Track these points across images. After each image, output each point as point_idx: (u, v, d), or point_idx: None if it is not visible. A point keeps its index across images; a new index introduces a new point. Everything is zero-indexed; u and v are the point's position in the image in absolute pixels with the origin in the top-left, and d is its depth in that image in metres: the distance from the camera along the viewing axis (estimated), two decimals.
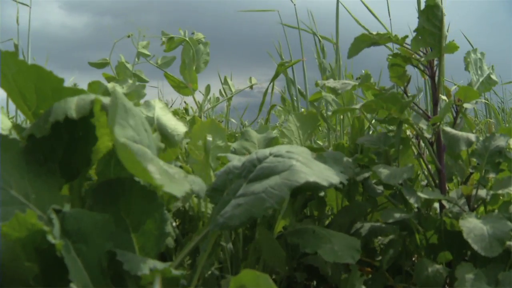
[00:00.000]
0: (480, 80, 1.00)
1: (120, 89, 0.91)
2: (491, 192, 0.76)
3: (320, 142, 1.09)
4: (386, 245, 0.92)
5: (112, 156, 0.66)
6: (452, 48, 0.88)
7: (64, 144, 0.63)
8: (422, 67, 0.94)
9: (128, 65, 1.28)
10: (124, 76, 1.14)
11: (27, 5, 1.22)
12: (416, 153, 0.99)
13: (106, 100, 0.55)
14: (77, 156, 0.64)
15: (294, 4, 1.25)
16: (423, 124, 0.84)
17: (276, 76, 1.20)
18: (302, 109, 1.29)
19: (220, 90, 1.60)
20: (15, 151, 0.59)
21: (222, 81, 1.79)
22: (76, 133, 0.64)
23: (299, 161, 0.62)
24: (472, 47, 2.09)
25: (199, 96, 1.74)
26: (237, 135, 1.35)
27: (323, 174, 0.61)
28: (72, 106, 0.53)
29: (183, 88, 1.26)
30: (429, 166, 0.96)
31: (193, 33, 1.39)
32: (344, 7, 1.34)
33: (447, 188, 0.96)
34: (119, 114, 0.51)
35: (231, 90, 1.43)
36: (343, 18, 1.41)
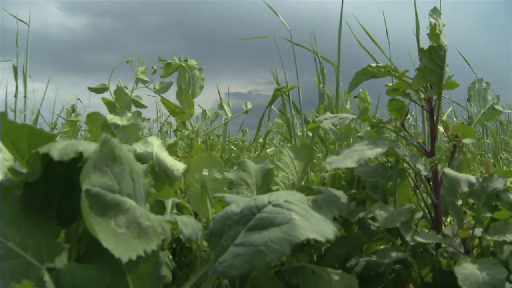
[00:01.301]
0: (482, 111, 1.01)
1: (119, 121, 0.91)
2: (488, 237, 0.76)
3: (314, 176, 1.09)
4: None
5: None
6: (452, 85, 0.89)
7: (62, 188, 0.62)
8: (420, 102, 0.95)
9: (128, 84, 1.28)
10: (122, 101, 1.14)
11: (26, 23, 1.20)
12: (412, 185, 0.99)
13: (94, 147, 0.55)
14: (74, 200, 0.63)
15: (290, 30, 1.25)
16: (420, 165, 0.85)
17: (272, 101, 1.20)
18: (298, 131, 1.29)
19: (218, 105, 1.60)
20: (12, 198, 0.59)
21: (220, 94, 1.78)
22: (73, 176, 0.64)
23: (298, 213, 0.62)
24: (469, 65, 2.10)
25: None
26: (233, 161, 1.34)
27: (320, 229, 0.62)
28: (58, 147, 0.53)
29: (179, 113, 1.26)
30: (426, 199, 0.97)
31: (186, 60, 1.39)
32: (349, 27, 1.33)
33: (443, 220, 0.97)
34: (103, 161, 0.51)
35: (227, 115, 1.43)
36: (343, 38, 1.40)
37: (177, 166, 0.84)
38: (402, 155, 0.81)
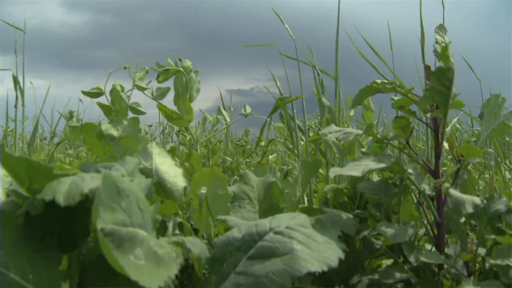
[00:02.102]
0: (491, 128, 0.99)
1: (115, 132, 0.90)
2: (491, 260, 0.76)
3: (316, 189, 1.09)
4: None
5: None
6: (458, 105, 0.88)
7: (63, 216, 0.62)
8: (425, 120, 0.94)
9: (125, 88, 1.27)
10: (119, 106, 1.12)
11: (22, 30, 1.19)
12: (415, 201, 0.99)
13: (97, 184, 0.55)
14: (76, 228, 0.63)
15: (294, 40, 1.23)
16: (425, 184, 0.84)
17: (274, 111, 1.19)
18: (302, 142, 1.28)
19: (217, 110, 1.59)
20: (12, 226, 0.59)
21: (222, 96, 1.77)
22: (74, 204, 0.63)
23: (300, 241, 0.62)
24: (473, 70, 2.08)
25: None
26: (236, 177, 1.33)
27: (323, 256, 0.61)
28: (62, 190, 0.52)
29: (176, 119, 1.24)
30: (429, 216, 0.96)
31: (180, 60, 1.37)
32: (349, 37, 1.32)
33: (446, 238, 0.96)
34: (109, 198, 0.52)
35: (226, 121, 1.42)
36: (343, 47, 1.38)
37: (178, 185, 0.84)
38: (407, 172, 0.81)
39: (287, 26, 1.29)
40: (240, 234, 0.66)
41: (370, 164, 0.78)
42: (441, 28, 0.91)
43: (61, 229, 0.62)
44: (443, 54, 0.81)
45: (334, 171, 0.78)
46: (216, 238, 0.92)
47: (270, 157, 1.56)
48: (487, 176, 1.56)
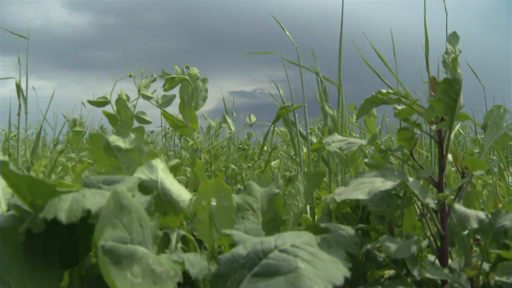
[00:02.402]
0: (494, 139, 0.99)
1: (122, 144, 0.89)
2: (496, 277, 0.75)
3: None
4: None
5: None
6: (464, 117, 0.87)
7: (64, 233, 0.61)
8: (430, 132, 0.93)
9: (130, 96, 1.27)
10: (124, 115, 1.12)
11: (26, 38, 1.19)
12: (418, 213, 0.98)
13: (101, 201, 0.55)
14: (77, 244, 0.62)
15: (297, 48, 1.23)
16: (429, 199, 0.83)
17: (277, 119, 1.18)
18: (304, 148, 1.28)
19: (222, 118, 1.59)
20: (13, 242, 0.58)
21: (226, 105, 1.77)
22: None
23: (305, 260, 0.61)
24: (477, 77, 2.07)
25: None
26: (240, 188, 1.33)
27: (328, 275, 0.61)
28: (64, 208, 0.52)
29: (181, 127, 1.24)
30: (432, 228, 0.95)
31: (187, 67, 1.36)
32: (355, 44, 1.31)
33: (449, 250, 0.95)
34: (112, 214, 0.51)
35: (231, 129, 1.41)
36: (346, 47, 1.37)
37: (183, 197, 0.83)
38: (413, 190, 0.80)
39: (288, 33, 1.28)
40: (245, 251, 0.66)
41: (376, 183, 0.78)
42: (453, 37, 0.90)
43: (62, 246, 0.61)
44: (452, 65, 0.81)
45: (339, 194, 0.77)
46: (219, 249, 0.92)
47: (273, 163, 1.56)
48: (490, 181, 1.55)
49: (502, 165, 1.65)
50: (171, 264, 0.60)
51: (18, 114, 1.13)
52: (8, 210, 0.81)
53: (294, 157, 1.22)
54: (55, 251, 0.61)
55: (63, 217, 0.48)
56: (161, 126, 2.08)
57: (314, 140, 1.73)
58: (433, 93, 0.95)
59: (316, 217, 1.07)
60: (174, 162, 1.12)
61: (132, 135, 0.90)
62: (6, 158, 0.88)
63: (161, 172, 0.85)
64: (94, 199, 0.52)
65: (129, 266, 0.52)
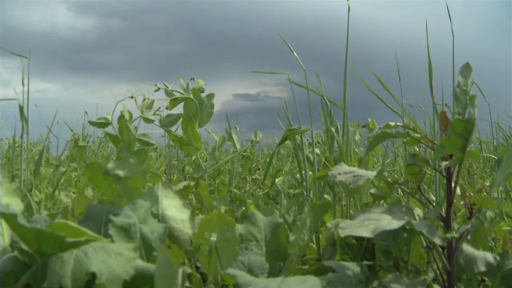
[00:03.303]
0: (507, 172, 0.97)
1: (121, 172, 0.88)
2: None
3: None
4: None
5: None
6: (474, 155, 0.86)
7: None
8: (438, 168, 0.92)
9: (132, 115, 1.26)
10: (127, 136, 1.11)
11: (27, 58, 1.17)
12: (425, 245, 0.97)
13: (105, 259, 0.54)
14: None
15: (305, 70, 1.21)
16: (437, 238, 0.82)
17: (283, 141, 1.17)
18: (310, 172, 1.26)
19: (227, 136, 1.58)
20: None
21: (229, 124, 1.75)
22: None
23: None
24: (482, 93, 2.05)
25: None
26: (244, 215, 1.32)
27: None
28: (68, 274, 0.51)
29: (186, 145, 1.23)
30: (438, 261, 0.95)
31: (192, 79, 1.35)
32: (357, 74, 1.29)
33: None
34: None
35: (236, 148, 1.40)
36: (350, 47, 1.34)
37: (184, 233, 0.82)
38: (419, 230, 0.79)
39: (296, 54, 1.27)
40: None
41: (381, 222, 0.77)
42: (466, 69, 0.89)
43: None
44: (469, 102, 0.80)
45: (343, 229, 0.76)
46: (223, 283, 0.91)
47: (277, 180, 1.55)
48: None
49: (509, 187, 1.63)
50: None
51: (22, 136, 1.12)
52: (11, 245, 0.80)
53: (299, 180, 1.21)
54: None
55: (68, 284, 0.48)
56: (164, 136, 2.07)
57: (318, 151, 1.72)
58: (442, 127, 0.94)
59: (320, 246, 1.07)
60: (181, 186, 1.11)
61: (132, 160, 0.89)
62: (8, 180, 0.87)
63: (163, 199, 0.84)
64: (97, 258, 0.52)
65: None
